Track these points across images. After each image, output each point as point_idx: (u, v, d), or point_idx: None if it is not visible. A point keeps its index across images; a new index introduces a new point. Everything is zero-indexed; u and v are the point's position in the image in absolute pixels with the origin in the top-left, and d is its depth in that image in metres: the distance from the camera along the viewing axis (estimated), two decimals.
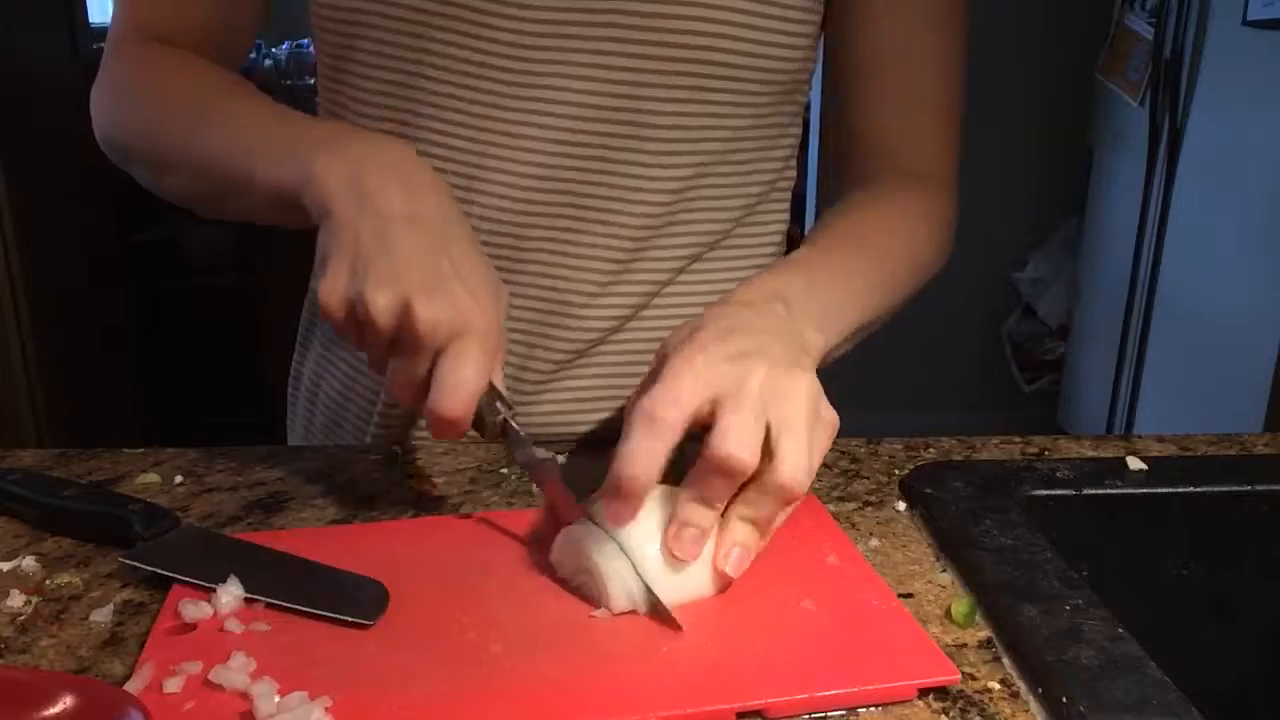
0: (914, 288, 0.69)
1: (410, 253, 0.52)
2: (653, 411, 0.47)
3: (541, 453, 0.55)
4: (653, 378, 0.51)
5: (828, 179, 3.00)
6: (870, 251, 0.65)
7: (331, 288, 0.52)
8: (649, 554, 0.49)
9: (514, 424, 0.54)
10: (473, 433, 0.54)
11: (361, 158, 0.55)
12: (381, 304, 0.51)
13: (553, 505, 0.55)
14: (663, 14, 0.62)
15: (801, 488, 0.48)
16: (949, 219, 0.73)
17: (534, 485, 0.58)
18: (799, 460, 0.48)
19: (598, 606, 0.49)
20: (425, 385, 0.52)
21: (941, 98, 0.72)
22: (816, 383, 0.51)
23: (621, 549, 0.49)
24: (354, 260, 0.52)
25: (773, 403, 0.48)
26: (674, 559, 0.48)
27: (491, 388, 0.53)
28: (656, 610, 0.48)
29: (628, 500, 0.47)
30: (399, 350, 0.53)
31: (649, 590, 0.48)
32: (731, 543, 0.49)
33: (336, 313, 0.53)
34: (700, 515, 0.49)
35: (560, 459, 0.67)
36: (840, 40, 0.72)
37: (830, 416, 0.51)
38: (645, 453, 0.47)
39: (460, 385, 0.51)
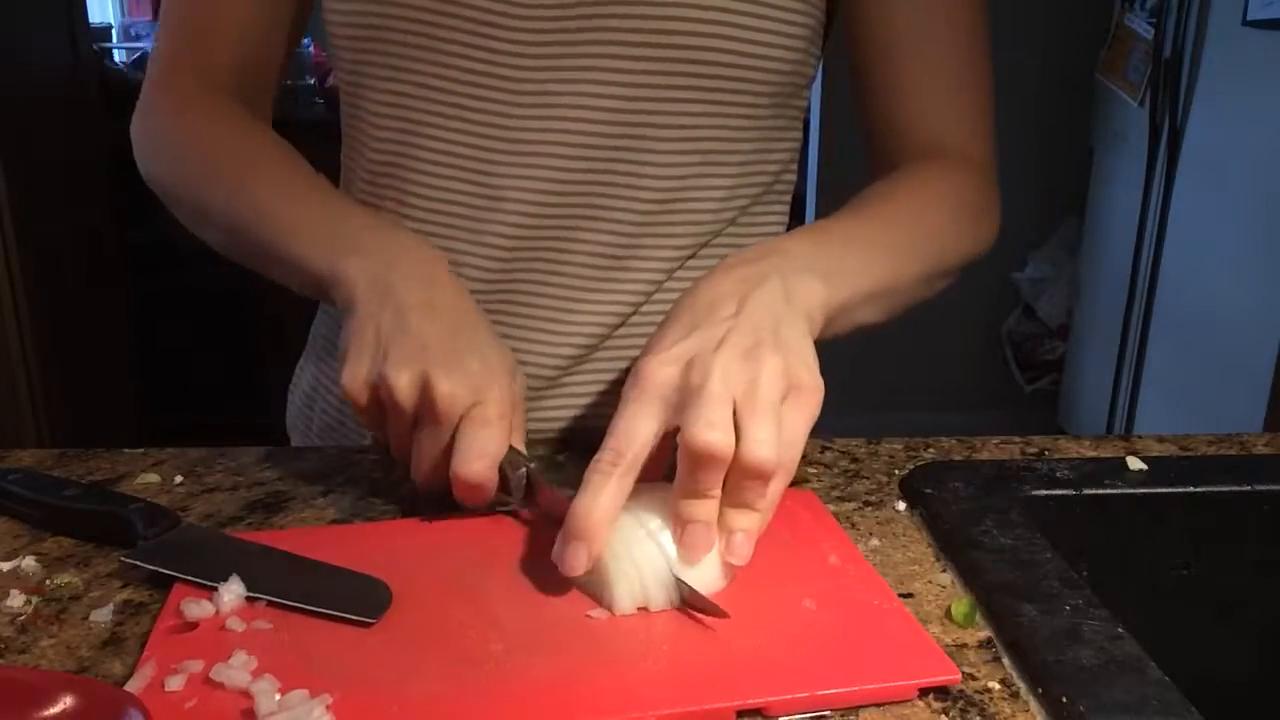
0: (944, 250, 0.67)
1: (426, 335, 0.55)
2: (610, 456, 0.49)
3: (569, 491, 0.56)
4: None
5: (828, 180, 3.00)
6: (879, 210, 0.65)
7: (354, 373, 0.56)
8: (667, 550, 0.49)
9: (538, 475, 0.56)
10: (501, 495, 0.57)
11: (387, 259, 0.59)
12: (404, 382, 0.54)
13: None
14: (655, 15, 0.63)
15: (771, 463, 0.48)
16: (979, 188, 0.71)
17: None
18: (762, 436, 0.48)
19: (597, 606, 0.49)
20: (448, 458, 0.55)
21: (958, 78, 0.72)
22: (788, 355, 0.50)
23: (628, 549, 0.49)
24: (375, 347, 0.56)
25: (736, 385, 0.49)
26: (688, 557, 0.49)
27: (512, 449, 0.56)
28: (691, 602, 0.48)
29: (576, 554, 0.49)
30: (421, 426, 0.56)
31: (680, 583, 0.48)
32: (730, 531, 0.49)
33: (359, 397, 0.56)
34: (697, 509, 0.49)
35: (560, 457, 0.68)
36: (853, 30, 0.72)
37: (812, 383, 0.51)
38: (607, 496, 0.48)
39: (482, 449, 0.54)
